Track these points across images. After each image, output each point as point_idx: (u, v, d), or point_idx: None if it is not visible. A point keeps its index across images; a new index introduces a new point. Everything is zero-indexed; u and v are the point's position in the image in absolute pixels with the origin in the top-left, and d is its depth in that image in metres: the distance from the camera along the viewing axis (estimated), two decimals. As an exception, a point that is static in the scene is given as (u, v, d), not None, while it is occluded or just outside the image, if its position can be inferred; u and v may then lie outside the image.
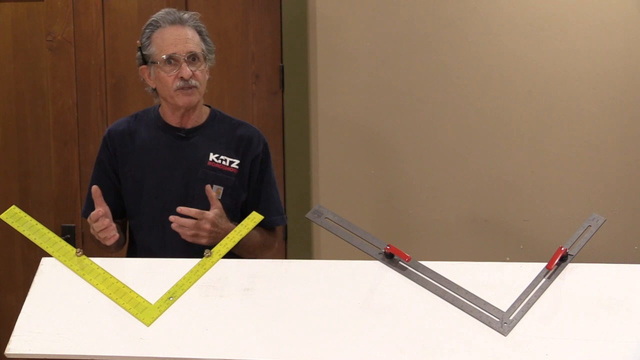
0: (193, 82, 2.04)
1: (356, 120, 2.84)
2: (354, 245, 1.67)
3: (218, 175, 2.10)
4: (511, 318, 1.49)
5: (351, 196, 2.85)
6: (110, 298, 1.60)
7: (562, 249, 1.55)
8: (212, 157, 2.10)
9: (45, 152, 3.01)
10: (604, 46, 2.71)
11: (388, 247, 1.60)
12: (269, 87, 2.88)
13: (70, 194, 3.00)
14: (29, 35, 2.98)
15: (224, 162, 2.11)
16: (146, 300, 1.59)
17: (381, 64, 2.81)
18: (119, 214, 2.16)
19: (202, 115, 2.15)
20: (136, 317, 1.56)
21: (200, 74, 2.05)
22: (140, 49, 2.09)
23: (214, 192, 2.04)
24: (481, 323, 1.49)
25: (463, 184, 2.81)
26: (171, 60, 2.02)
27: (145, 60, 2.08)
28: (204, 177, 2.08)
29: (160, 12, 2.09)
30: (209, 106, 2.19)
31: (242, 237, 1.77)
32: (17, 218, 1.73)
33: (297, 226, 2.86)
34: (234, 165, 2.11)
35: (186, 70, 2.02)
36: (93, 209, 2.02)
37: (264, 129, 2.81)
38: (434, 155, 2.81)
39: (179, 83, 2.03)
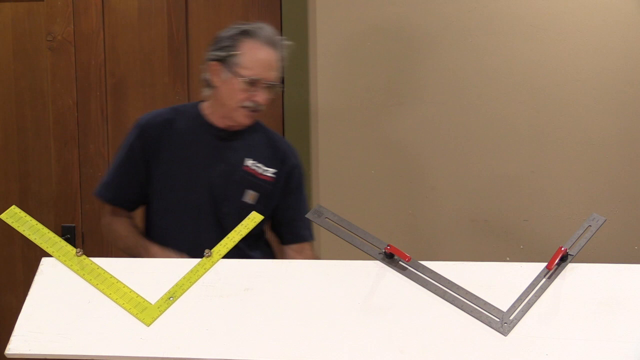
0: (261, 107, 2.06)
1: (356, 120, 2.84)
2: (354, 245, 1.67)
3: (253, 180, 2.11)
4: (511, 318, 1.49)
5: (351, 196, 2.85)
6: (110, 298, 1.60)
7: (562, 249, 1.55)
8: (248, 162, 2.11)
9: (45, 152, 3.01)
10: (604, 46, 2.71)
11: (388, 247, 1.60)
12: (269, 87, 2.88)
13: (70, 194, 3.00)
14: (29, 35, 2.98)
15: (258, 169, 2.11)
16: (146, 300, 1.59)
17: (381, 64, 2.81)
18: (138, 204, 2.18)
19: None
20: (136, 317, 1.56)
21: (270, 100, 2.07)
22: (217, 43, 2.07)
23: (246, 197, 2.09)
24: (481, 323, 1.49)
25: (463, 184, 2.81)
26: (254, 82, 2.02)
27: (221, 59, 2.06)
28: (239, 180, 2.09)
29: (257, 24, 2.08)
30: None
31: (242, 236, 1.77)
32: (17, 218, 1.73)
33: (297, 226, 2.86)
34: (269, 173, 2.13)
35: (263, 97, 2.04)
36: (116, 194, 2.10)
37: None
38: (434, 155, 2.81)
39: (248, 103, 2.04)
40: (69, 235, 2.95)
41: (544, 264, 1.55)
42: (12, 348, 1.52)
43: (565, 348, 1.43)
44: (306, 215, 1.72)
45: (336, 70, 2.85)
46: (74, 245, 1.75)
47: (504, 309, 1.50)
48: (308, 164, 2.86)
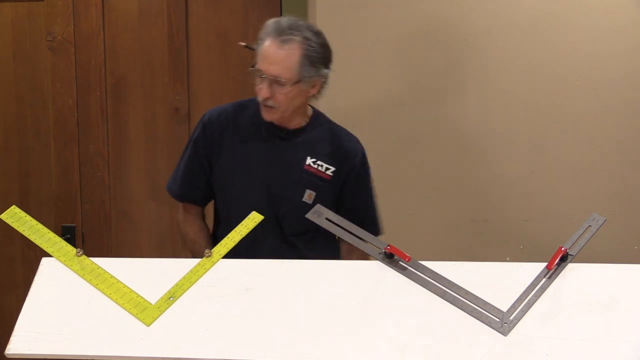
0: (270, 102, 2.02)
1: (355, 120, 2.83)
2: (354, 245, 1.67)
3: (312, 180, 2.10)
4: (511, 318, 1.49)
5: (351, 196, 2.85)
6: (110, 298, 1.60)
7: (562, 249, 1.55)
8: (309, 161, 2.10)
9: (45, 152, 3.01)
10: (604, 46, 2.71)
11: (388, 247, 1.60)
12: (269, 87, 2.88)
13: (70, 194, 2.99)
14: (29, 35, 2.98)
15: (320, 168, 2.11)
16: (146, 300, 1.59)
17: (381, 64, 2.81)
18: (208, 199, 2.20)
19: (304, 117, 2.14)
20: (136, 317, 1.56)
21: (283, 97, 2.01)
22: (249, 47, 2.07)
23: (305, 197, 2.08)
24: (481, 323, 1.49)
25: (463, 184, 2.81)
26: (258, 75, 2.00)
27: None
28: (299, 180, 2.09)
29: (273, 19, 2.05)
30: (312, 107, 2.18)
31: (242, 237, 1.77)
32: (17, 218, 1.73)
33: (297, 226, 2.86)
34: (329, 172, 2.11)
35: (262, 91, 2.00)
36: (184, 190, 2.14)
37: (264, 129, 2.80)
38: (434, 155, 2.81)
39: (259, 98, 2.03)
40: (69, 235, 2.95)
41: (544, 264, 1.55)
42: (12, 348, 1.52)
43: (565, 348, 1.43)
44: (306, 215, 1.72)
45: (336, 70, 2.84)
46: (74, 245, 1.74)
47: (504, 309, 1.50)
48: (308, 164, 2.86)
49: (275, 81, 1.99)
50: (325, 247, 2.23)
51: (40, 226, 1.74)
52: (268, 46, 2.00)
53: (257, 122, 2.11)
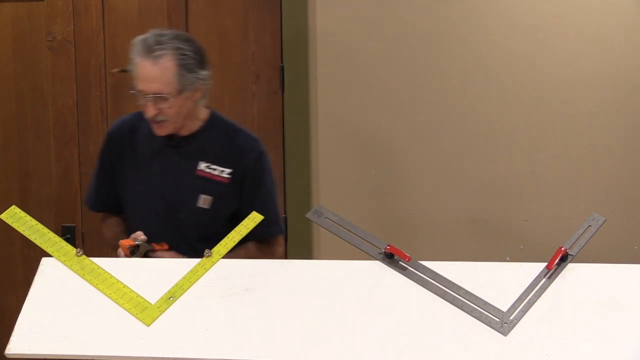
0: (160, 117, 2.02)
1: (356, 120, 2.84)
2: (354, 245, 1.67)
3: (207, 185, 2.09)
4: (511, 318, 1.49)
5: (351, 196, 2.85)
6: (110, 298, 1.60)
7: (562, 249, 1.55)
8: (202, 165, 2.09)
9: (45, 152, 3.01)
10: (603, 46, 2.71)
11: (388, 247, 1.60)
12: (269, 87, 2.88)
13: (70, 194, 2.99)
14: (29, 35, 2.98)
15: (214, 172, 2.09)
16: (146, 300, 1.59)
17: (381, 64, 2.81)
18: (122, 207, 2.20)
19: (197, 122, 2.13)
20: (136, 317, 1.56)
21: (170, 110, 2.01)
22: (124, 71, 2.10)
23: (201, 202, 2.07)
24: (481, 323, 1.49)
25: (463, 183, 2.81)
26: (141, 95, 2.01)
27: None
28: (192, 186, 2.08)
29: (139, 38, 2.03)
30: (210, 109, 2.17)
31: (242, 236, 1.77)
32: (17, 218, 1.73)
33: (297, 226, 2.86)
34: (225, 174, 2.09)
35: (148, 110, 2.01)
36: (96, 201, 2.19)
37: (264, 129, 2.81)
38: (434, 155, 2.81)
39: (148, 116, 2.03)
40: (69, 235, 2.95)
41: (544, 264, 1.55)
42: (12, 348, 1.52)
43: (565, 348, 1.43)
44: (306, 215, 1.72)
45: (336, 70, 2.85)
46: (74, 245, 1.75)
47: (504, 309, 1.50)
48: (308, 164, 2.86)
49: (158, 98, 2.00)
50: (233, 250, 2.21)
51: (40, 226, 1.74)
52: (142, 66, 2.00)
53: (152, 132, 2.10)
